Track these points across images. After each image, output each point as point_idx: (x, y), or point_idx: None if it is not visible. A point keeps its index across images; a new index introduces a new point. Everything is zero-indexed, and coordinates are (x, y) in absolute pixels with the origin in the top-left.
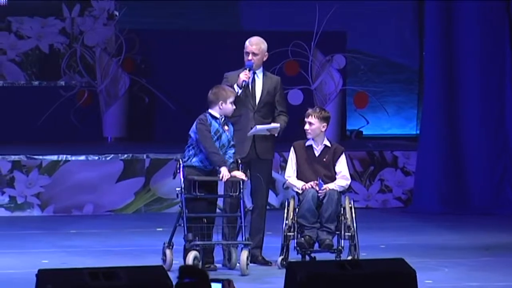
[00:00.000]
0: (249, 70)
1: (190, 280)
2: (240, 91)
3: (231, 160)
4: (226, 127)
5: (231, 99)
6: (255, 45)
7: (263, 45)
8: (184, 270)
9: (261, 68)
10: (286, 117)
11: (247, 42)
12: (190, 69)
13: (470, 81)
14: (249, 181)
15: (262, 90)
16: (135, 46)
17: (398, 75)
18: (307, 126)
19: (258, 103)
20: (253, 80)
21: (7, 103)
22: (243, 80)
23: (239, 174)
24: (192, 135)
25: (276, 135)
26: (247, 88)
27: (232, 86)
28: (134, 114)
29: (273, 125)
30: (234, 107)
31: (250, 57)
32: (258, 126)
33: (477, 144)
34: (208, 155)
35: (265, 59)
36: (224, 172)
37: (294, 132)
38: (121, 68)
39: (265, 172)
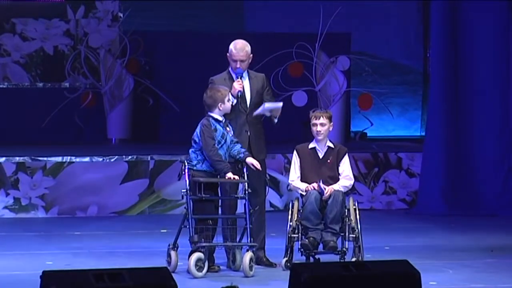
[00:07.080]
0: (240, 78)
1: None
2: (235, 101)
3: (243, 150)
4: (228, 128)
5: (228, 97)
6: (241, 51)
7: (248, 47)
8: None
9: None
10: None
11: (232, 49)
12: (194, 70)
13: (476, 82)
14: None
15: (251, 92)
16: (139, 47)
17: (403, 77)
18: (319, 128)
19: (249, 105)
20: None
21: (12, 104)
22: (238, 91)
23: (255, 162)
24: (197, 140)
25: (276, 121)
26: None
27: None
28: (138, 116)
29: (277, 104)
30: (230, 102)
31: (238, 65)
32: (266, 104)
33: (481, 146)
34: (212, 164)
35: (250, 61)
36: (230, 176)
37: (299, 134)
38: (126, 69)
39: (263, 172)
